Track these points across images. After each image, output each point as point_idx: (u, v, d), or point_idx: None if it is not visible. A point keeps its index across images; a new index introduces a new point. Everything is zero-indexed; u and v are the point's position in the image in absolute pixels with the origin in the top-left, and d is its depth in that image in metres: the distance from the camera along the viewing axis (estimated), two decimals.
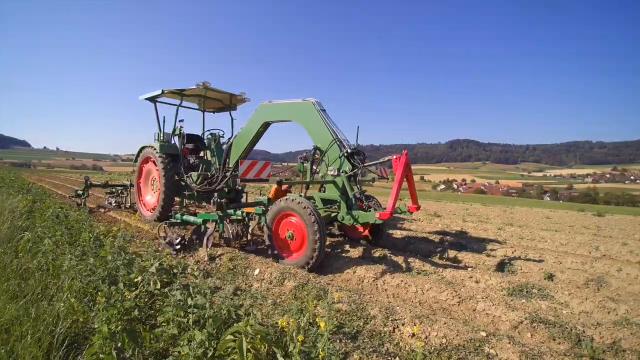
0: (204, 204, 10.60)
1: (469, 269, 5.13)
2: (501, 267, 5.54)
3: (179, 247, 5.31)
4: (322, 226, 4.75)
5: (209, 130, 8.25)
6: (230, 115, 9.08)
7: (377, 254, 5.73)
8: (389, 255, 5.65)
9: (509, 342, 3.04)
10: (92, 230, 5.02)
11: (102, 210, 9.50)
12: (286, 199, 5.05)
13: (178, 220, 5.62)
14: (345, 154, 5.52)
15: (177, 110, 8.02)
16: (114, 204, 9.91)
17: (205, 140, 8.32)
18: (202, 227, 5.40)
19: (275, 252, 5.16)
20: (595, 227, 11.21)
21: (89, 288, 3.05)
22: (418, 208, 5.47)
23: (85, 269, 3.24)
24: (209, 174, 7.65)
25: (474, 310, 3.85)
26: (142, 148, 8.47)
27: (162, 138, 8.20)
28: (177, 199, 8.36)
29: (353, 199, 5.44)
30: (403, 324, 3.22)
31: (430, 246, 6.53)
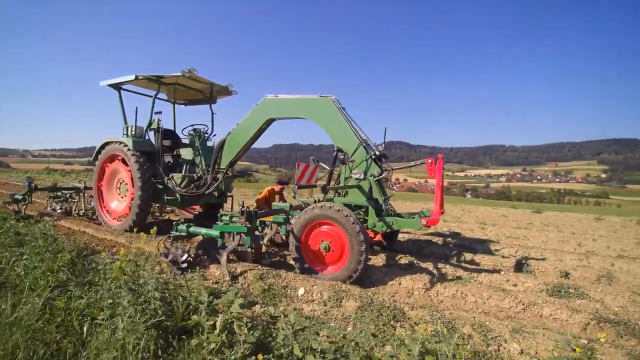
0: (173, 209, 9.31)
1: (502, 272, 5.11)
2: (519, 267, 5.65)
3: (185, 265, 4.39)
4: (366, 235, 4.30)
5: (192, 126, 7.19)
6: (211, 109, 8.05)
7: (403, 261, 5.44)
8: (415, 262, 5.40)
9: (611, 347, 2.97)
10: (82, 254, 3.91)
11: (48, 218, 7.73)
12: (321, 206, 4.48)
13: (183, 233, 4.66)
14: (373, 157, 5.11)
15: (154, 101, 6.82)
16: (58, 211, 8.15)
17: (186, 137, 7.23)
18: (219, 240, 4.52)
19: (306, 265, 4.56)
20: (553, 225, 12.42)
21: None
22: (442, 212, 5.31)
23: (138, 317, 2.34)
24: (194, 175, 6.64)
25: (540, 316, 3.76)
26: (105, 144, 7.05)
27: (134, 133, 6.92)
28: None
29: (382, 205, 5.07)
30: (505, 341, 2.95)
31: (443, 249, 6.46)
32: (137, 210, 6.38)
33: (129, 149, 6.51)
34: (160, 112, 6.91)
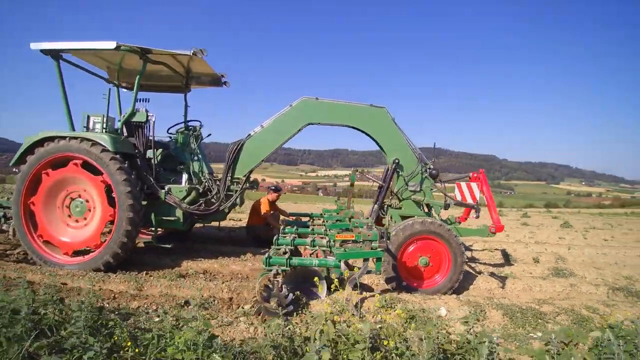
0: None
1: (519, 262, 6.26)
2: (506, 256, 6.96)
3: (291, 307, 3.50)
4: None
5: (190, 121, 5.58)
6: (185, 99, 6.46)
7: None
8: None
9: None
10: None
11: None
12: (422, 221, 4.40)
13: (290, 266, 3.56)
14: (428, 170, 5.33)
15: (138, 82, 4.95)
16: None
17: (176, 135, 5.55)
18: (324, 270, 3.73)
19: (404, 283, 4.39)
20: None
21: None
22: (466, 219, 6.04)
23: None
24: (199, 187, 5.26)
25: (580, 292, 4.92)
26: (43, 141, 4.68)
27: (105, 127, 4.87)
28: None
29: (437, 215, 5.36)
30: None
31: None
32: (123, 239, 4.54)
33: (105, 151, 4.56)
34: (148, 100, 5.12)
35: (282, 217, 6.95)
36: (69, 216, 4.82)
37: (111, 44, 4.57)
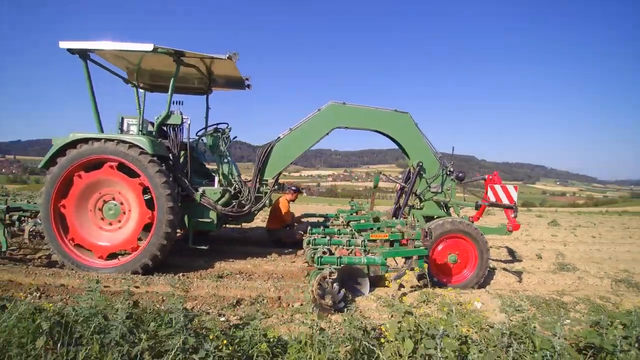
0: None
1: (525, 258, 6.67)
2: (512, 253, 7.37)
3: (342, 304, 3.69)
4: None
5: (216, 125, 5.63)
6: (207, 101, 6.52)
7: None
8: None
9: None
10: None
11: None
12: (451, 221, 4.68)
13: (341, 265, 3.72)
14: (448, 172, 5.62)
15: (172, 84, 5.00)
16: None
17: (206, 138, 5.60)
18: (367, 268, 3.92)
19: (435, 279, 4.65)
20: None
21: None
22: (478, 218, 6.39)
23: None
24: (230, 189, 5.35)
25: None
26: (76, 142, 4.66)
27: (141, 129, 4.90)
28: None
29: (457, 215, 5.66)
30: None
31: None
32: (162, 242, 4.60)
33: (144, 153, 4.59)
34: (181, 103, 5.18)
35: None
36: (102, 219, 4.82)
37: (148, 46, 4.61)
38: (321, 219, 7.27)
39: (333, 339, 2.28)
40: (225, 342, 2.36)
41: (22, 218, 5.69)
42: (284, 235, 6.59)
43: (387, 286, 4.43)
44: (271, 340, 2.42)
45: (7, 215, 5.11)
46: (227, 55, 4.88)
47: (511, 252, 7.44)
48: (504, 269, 5.98)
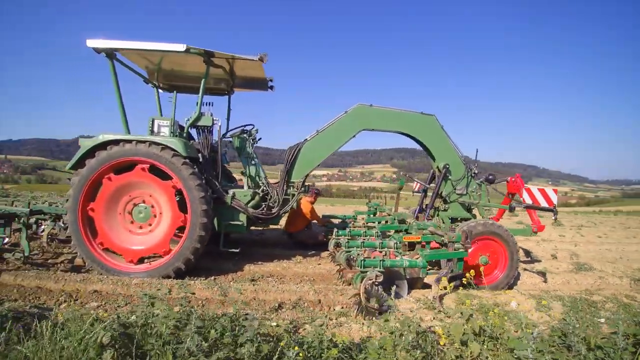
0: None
1: (542, 259, 6.77)
2: (528, 254, 7.45)
3: (386, 306, 3.72)
4: None
5: (243, 127, 5.61)
6: (229, 101, 6.49)
7: None
8: None
9: None
10: None
11: None
12: (483, 223, 4.73)
13: (383, 268, 3.74)
14: (473, 175, 5.67)
15: (203, 85, 4.96)
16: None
17: (233, 139, 5.56)
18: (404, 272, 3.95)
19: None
20: None
21: None
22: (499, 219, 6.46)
23: None
24: (258, 192, 5.34)
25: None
26: (106, 144, 4.60)
27: (172, 131, 4.86)
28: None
29: (482, 217, 5.72)
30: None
31: None
32: (196, 245, 4.58)
33: (177, 155, 4.56)
34: (212, 104, 5.15)
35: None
36: (132, 222, 4.77)
37: (181, 47, 4.57)
38: (338, 221, 7.27)
39: (406, 343, 2.29)
40: (296, 348, 2.37)
41: (40, 221, 5.62)
42: (305, 236, 6.60)
43: (420, 288, 4.46)
44: (339, 345, 2.43)
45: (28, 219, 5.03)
46: (259, 57, 4.86)
47: (527, 252, 7.53)
48: (525, 269, 6.06)
